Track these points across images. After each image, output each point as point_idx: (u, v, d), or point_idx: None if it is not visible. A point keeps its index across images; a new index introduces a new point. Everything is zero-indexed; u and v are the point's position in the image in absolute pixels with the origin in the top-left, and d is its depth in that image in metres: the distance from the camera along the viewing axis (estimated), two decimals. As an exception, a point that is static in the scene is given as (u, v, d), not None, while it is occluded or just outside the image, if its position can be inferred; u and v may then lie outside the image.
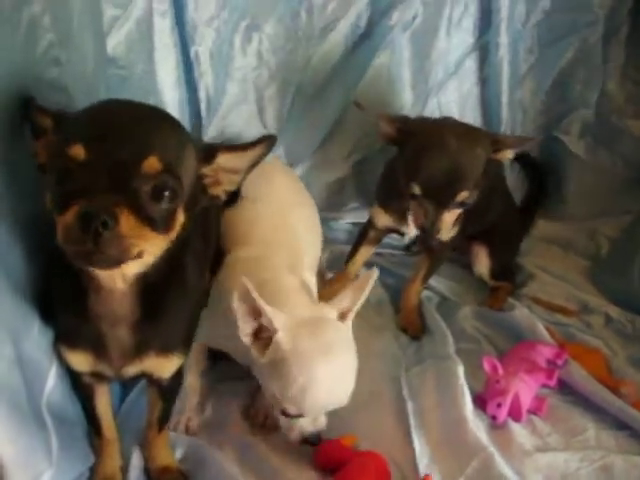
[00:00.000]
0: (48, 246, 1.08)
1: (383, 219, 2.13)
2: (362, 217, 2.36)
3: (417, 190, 1.82)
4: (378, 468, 1.54)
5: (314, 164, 2.53)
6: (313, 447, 1.57)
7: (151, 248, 1.07)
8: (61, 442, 1.32)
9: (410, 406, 1.76)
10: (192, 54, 2.14)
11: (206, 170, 1.18)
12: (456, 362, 1.86)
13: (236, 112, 2.34)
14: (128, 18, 1.79)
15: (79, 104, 1.34)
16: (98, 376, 1.36)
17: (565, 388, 1.88)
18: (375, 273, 1.56)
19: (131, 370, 1.32)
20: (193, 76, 2.19)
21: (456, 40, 2.57)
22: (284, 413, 1.49)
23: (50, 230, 1.05)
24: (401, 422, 1.72)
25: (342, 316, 1.54)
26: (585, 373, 1.87)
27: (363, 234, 2.24)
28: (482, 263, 2.34)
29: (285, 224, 1.81)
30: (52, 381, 1.33)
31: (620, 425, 1.76)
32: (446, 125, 1.88)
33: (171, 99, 2.04)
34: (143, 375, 1.38)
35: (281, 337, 1.43)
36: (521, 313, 2.13)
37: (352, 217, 2.60)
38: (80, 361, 1.31)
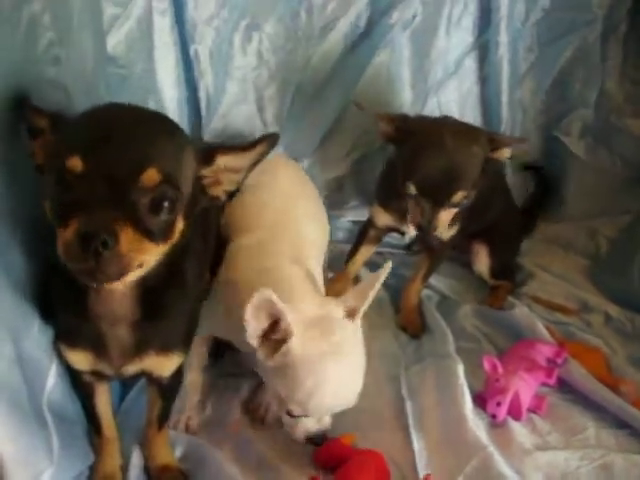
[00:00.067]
0: (48, 246, 1.08)
1: (383, 218, 2.13)
2: (362, 215, 2.36)
3: (413, 189, 1.82)
4: (377, 467, 1.54)
5: (314, 162, 2.53)
6: (314, 446, 1.56)
7: (151, 258, 1.07)
8: (61, 441, 1.32)
9: (409, 405, 1.77)
10: (192, 53, 2.14)
11: (205, 171, 1.17)
12: (456, 361, 1.86)
13: (236, 111, 2.34)
14: (128, 17, 1.78)
15: (79, 103, 1.35)
16: (98, 375, 1.36)
17: (565, 387, 1.88)
18: (389, 265, 1.52)
19: (131, 369, 1.32)
20: (193, 75, 2.19)
21: (456, 39, 2.57)
22: (289, 413, 1.48)
23: (50, 230, 1.05)
24: (400, 421, 1.73)
25: (350, 314, 1.50)
26: (585, 372, 1.87)
27: (363, 233, 2.24)
28: (482, 262, 2.34)
29: (289, 213, 1.78)
30: (52, 380, 1.33)
31: (620, 424, 1.76)
32: (444, 124, 1.88)
33: (171, 98, 2.04)
34: (143, 374, 1.38)
35: (295, 342, 1.39)
36: (521, 312, 2.13)
37: (352, 215, 2.59)
38: (80, 360, 1.31)
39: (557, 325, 2.16)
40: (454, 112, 2.59)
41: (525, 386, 1.76)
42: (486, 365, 1.78)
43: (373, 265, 2.38)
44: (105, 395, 1.46)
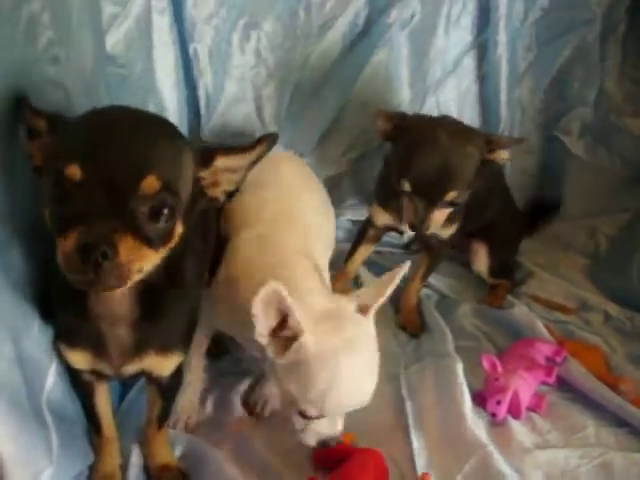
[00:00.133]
0: (47, 246, 1.08)
1: (382, 217, 2.13)
2: (360, 215, 2.36)
3: (407, 187, 1.83)
4: (377, 466, 1.54)
5: (312, 161, 2.52)
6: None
7: (150, 263, 1.07)
8: (61, 440, 1.32)
9: (409, 404, 1.77)
10: (191, 52, 2.13)
11: (204, 173, 1.17)
12: (455, 360, 1.86)
13: (234, 110, 2.34)
14: (127, 16, 1.78)
15: (78, 102, 1.34)
16: (98, 374, 1.36)
17: (564, 385, 1.89)
18: (407, 265, 1.49)
19: (130, 369, 1.32)
20: (192, 74, 2.18)
21: (454, 38, 2.56)
22: (302, 414, 1.41)
23: (49, 230, 1.05)
24: (400, 420, 1.73)
25: (363, 310, 1.45)
26: (584, 370, 1.88)
27: (362, 233, 2.24)
28: (481, 261, 2.35)
29: (293, 206, 1.74)
30: (52, 379, 1.33)
31: (619, 422, 1.76)
32: (440, 124, 1.88)
33: (170, 97, 2.03)
34: (142, 373, 1.38)
35: (307, 338, 1.34)
36: (520, 311, 2.14)
37: (351, 214, 2.59)
38: (79, 359, 1.31)
39: (556, 324, 2.16)
40: (453, 111, 2.59)
41: (525, 385, 1.77)
42: (485, 364, 1.78)
43: (372, 264, 2.39)
44: (105, 395, 1.46)
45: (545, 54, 2.65)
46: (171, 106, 2.03)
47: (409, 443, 1.65)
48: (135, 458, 1.54)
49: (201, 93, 2.23)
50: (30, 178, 1.17)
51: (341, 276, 2.22)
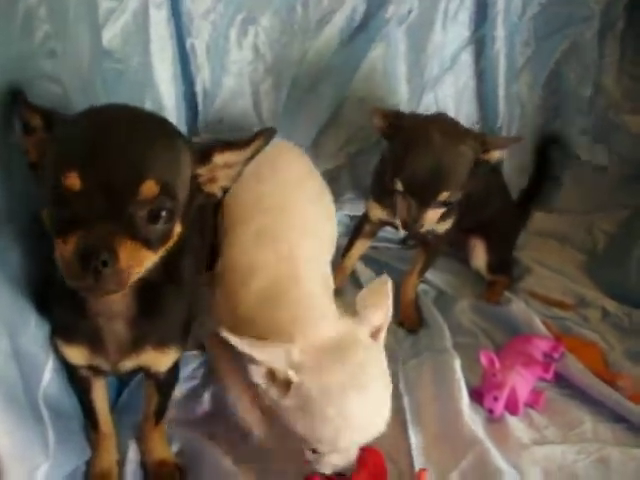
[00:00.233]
0: (44, 241, 1.08)
1: (378, 212, 2.13)
2: (358, 210, 2.36)
3: (400, 186, 1.83)
4: (375, 462, 1.53)
5: (309, 156, 2.52)
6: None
7: (149, 264, 1.07)
8: (58, 435, 1.32)
9: (406, 400, 1.77)
10: (188, 47, 2.14)
11: (202, 170, 1.16)
12: (453, 356, 1.86)
13: (232, 106, 2.34)
14: (124, 10, 1.77)
15: (75, 97, 1.34)
16: (95, 370, 1.36)
17: (562, 381, 1.89)
18: (386, 280, 1.46)
19: (128, 364, 1.32)
20: (189, 69, 2.18)
21: (452, 34, 2.56)
22: (314, 451, 1.36)
23: (46, 229, 1.05)
24: (397, 416, 1.72)
25: (373, 335, 1.40)
26: (582, 366, 1.88)
27: (359, 228, 2.25)
28: (479, 257, 2.34)
29: (290, 203, 1.70)
30: (49, 375, 1.33)
31: (617, 418, 1.77)
32: (435, 123, 1.87)
33: (167, 92, 2.02)
34: (140, 369, 1.37)
35: (301, 379, 1.27)
36: (518, 307, 2.14)
37: (348, 209, 2.58)
38: (76, 355, 1.31)
39: (554, 320, 2.16)
40: (450, 107, 2.59)
41: (522, 381, 1.77)
42: (483, 360, 1.78)
43: (369, 259, 2.39)
44: (102, 390, 1.46)
45: (543, 49, 2.65)
46: (168, 101, 2.03)
47: (406, 439, 1.65)
48: (132, 454, 1.54)
49: (199, 88, 2.23)
50: (27, 174, 1.16)
51: (338, 272, 2.21)
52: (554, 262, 2.52)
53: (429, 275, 2.32)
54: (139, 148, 1.03)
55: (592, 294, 2.34)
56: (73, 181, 0.98)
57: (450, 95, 2.65)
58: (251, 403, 1.60)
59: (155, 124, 1.12)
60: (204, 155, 1.16)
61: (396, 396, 1.77)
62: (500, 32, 2.52)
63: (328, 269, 1.70)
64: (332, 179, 2.52)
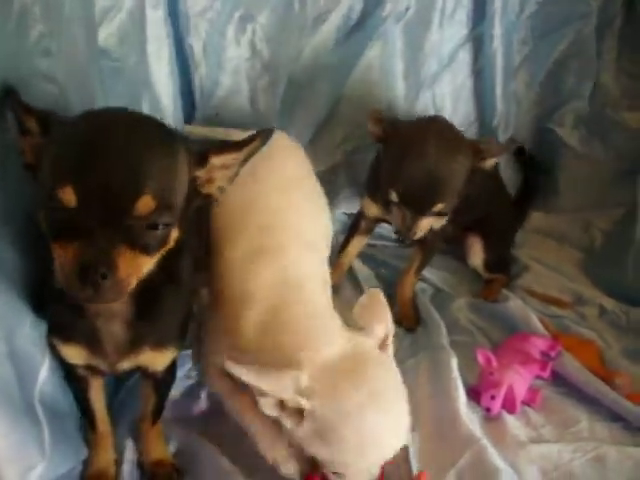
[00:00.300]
0: (41, 242, 1.08)
1: (373, 210, 2.14)
2: (355, 207, 2.35)
3: (395, 197, 1.85)
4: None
5: (306, 153, 2.52)
6: None
7: (147, 269, 1.07)
8: (53, 435, 1.32)
9: (404, 399, 1.77)
10: (186, 45, 2.14)
11: (200, 173, 1.16)
12: (450, 354, 1.86)
13: (229, 103, 2.34)
14: (120, 9, 1.76)
15: (71, 96, 1.34)
16: (92, 369, 1.35)
17: (559, 380, 1.89)
18: (378, 291, 1.44)
19: (126, 364, 1.32)
20: (186, 67, 2.18)
21: (449, 32, 2.56)
22: (336, 473, 1.31)
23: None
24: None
25: (381, 346, 1.38)
26: (579, 365, 1.88)
27: (355, 225, 2.25)
28: (476, 255, 2.35)
29: (285, 210, 1.61)
30: (45, 374, 1.32)
31: (614, 416, 1.77)
32: (430, 132, 1.86)
33: (164, 90, 2.02)
34: (138, 369, 1.37)
35: (313, 406, 1.22)
36: (515, 305, 2.14)
37: (345, 206, 2.58)
38: (74, 354, 1.30)
39: (551, 318, 2.16)
40: (447, 105, 2.60)
41: (519, 379, 1.77)
42: (480, 358, 1.78)
43: (366, 257, 2.39)
44: (99, 389, 1.45)
45: (541, 48, 2.66)
46: (165, 99, 2.02)
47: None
48: (129, 453, 1.54)
49: (196, 86, 2.23)
50: (22, 174, 1.16)
51: (335, 268, 2.21)
52: (551, 260, 2.53)
53: (426, 273, 2.32)
54: (134, 162, 1.01)
55: (589, 292, 2.35)
56: (69, 197, 0.98)
57: (447, 93, 2.65)
58: (275, 436, 1.45)
59: (151, 132, 1.10)
60: (201, 157, 1.15)
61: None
62: (498, 30, 2.53)
63: (326, 271, 1.67)
64: (329, 177, 2.52)
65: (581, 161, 2.73)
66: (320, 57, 2.42)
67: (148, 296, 1.21)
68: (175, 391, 1.68)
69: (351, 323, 1.45)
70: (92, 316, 1.23)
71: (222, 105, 2.32)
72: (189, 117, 2.27)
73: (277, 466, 1.44)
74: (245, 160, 1.21)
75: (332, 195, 2.56)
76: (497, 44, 2.54)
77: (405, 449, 1.47)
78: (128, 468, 1.51)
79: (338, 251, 2.24)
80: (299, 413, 1.24)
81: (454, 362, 1.82)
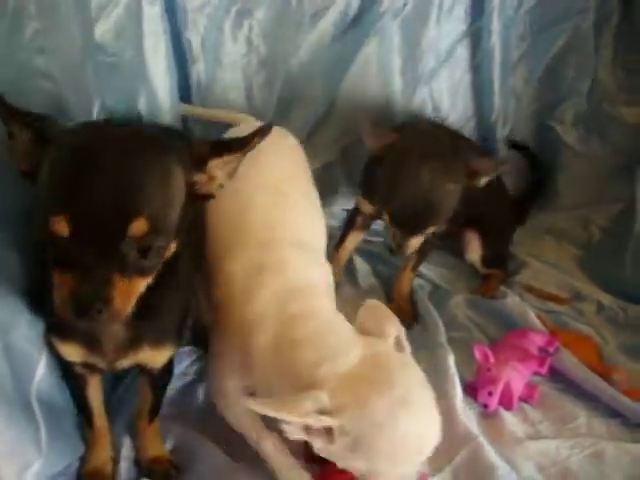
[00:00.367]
0: (39, 242, 1.08)
1: (367, 208, 2.15)
2: (352, 204, 2.34)
3: (387, 218, 1.89)
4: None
5: (303, 149, 2.53)
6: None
7: (143, 287, 1.08)
8: (50, 432, 1.32)
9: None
10: (184, 40, 2.14)
11: (198, 177, 1.15)
12: (447, 351, 1.86)
13: (226, 98, 2.33)
14: (117, 4, 1.75)
15: (67, 92, 1.34)
16: (90, 367, 1.35)
17: (556, 376, 1.89)
18: (376, 302, 1.44)
19: (124, 362, 1.32)
20: (184, 62, 2.18)
21: (447, 27, 2.55)
22: None
23: (41, 224, 1.03)
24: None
25: (398, 347, 1.36)
26: (577, 361, 1.88)
27: (351, 221, 2.26)
28: (474, 251, 2.34)
29: (282, 217, 1.59)
30: (42, 372, 1.32)
31: (611, 412, 1.77)
32: (423, 154, 1.85)
33: (161, 85, 2.01)
34: (136, 366, 1.37)
35: (341, 422, 1.19)
36: (513, 301, 2.14)
37: (342, 202, 2.57)
38: (72, 352, 1.30)
39: (549, 314, 2.16)
40: (445, 100, 2.60)
41: (517, 376, 1.77)
42: (477, 354, 1.78)
43: (364, 253, 2.39)
44: (97, 387, 1.45)
45: (539, 43, 2.65)
46: (162, 94, 2.01)
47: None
48: (126, 451, 1.54)
49: (193, 81, 2.23)
50: (19, 177, 1.15)
51: (332, 263, 2.20)
52: (549, 256, 2.53)
53: (424, 269, 2.32)
54: (127, 184, 1.00)
55: (587, 288, 2.34)
56: (62, 227, 0.97)
57: (445, 89, 2.64)
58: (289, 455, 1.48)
59: (144, 153, 1.07)
60: (199, 162, 1.15)
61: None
62: (496, 26, 2.52)
63: (329, 272, 1.67)
64: (326, 173, 2.52)
65: (579, 156, 2.72)
66: (317, 53, 2.42)
67: (147, 297, 1.21)
68: (172, 388, 1.68)
69: (354, 321, 1.44)
70: None
71: (219, 100, 2.32)
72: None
73: None
74: (243, 157, 1.21)
75: (329, 191, 2.57)
76: (495, 39, 2.53)
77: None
78: (125, 465, 1.51)
79: (335, 246, 2.24)
80: (328, 431, 1.21)
81: (451, 359, 1.82)
